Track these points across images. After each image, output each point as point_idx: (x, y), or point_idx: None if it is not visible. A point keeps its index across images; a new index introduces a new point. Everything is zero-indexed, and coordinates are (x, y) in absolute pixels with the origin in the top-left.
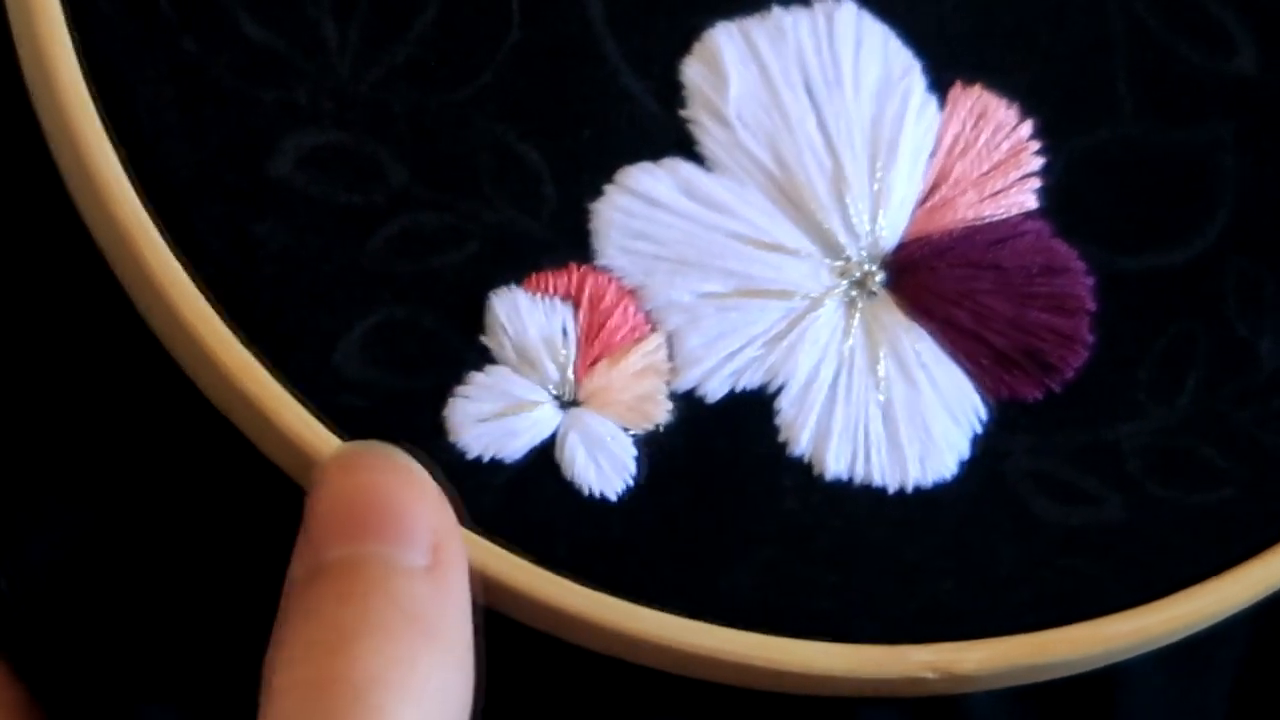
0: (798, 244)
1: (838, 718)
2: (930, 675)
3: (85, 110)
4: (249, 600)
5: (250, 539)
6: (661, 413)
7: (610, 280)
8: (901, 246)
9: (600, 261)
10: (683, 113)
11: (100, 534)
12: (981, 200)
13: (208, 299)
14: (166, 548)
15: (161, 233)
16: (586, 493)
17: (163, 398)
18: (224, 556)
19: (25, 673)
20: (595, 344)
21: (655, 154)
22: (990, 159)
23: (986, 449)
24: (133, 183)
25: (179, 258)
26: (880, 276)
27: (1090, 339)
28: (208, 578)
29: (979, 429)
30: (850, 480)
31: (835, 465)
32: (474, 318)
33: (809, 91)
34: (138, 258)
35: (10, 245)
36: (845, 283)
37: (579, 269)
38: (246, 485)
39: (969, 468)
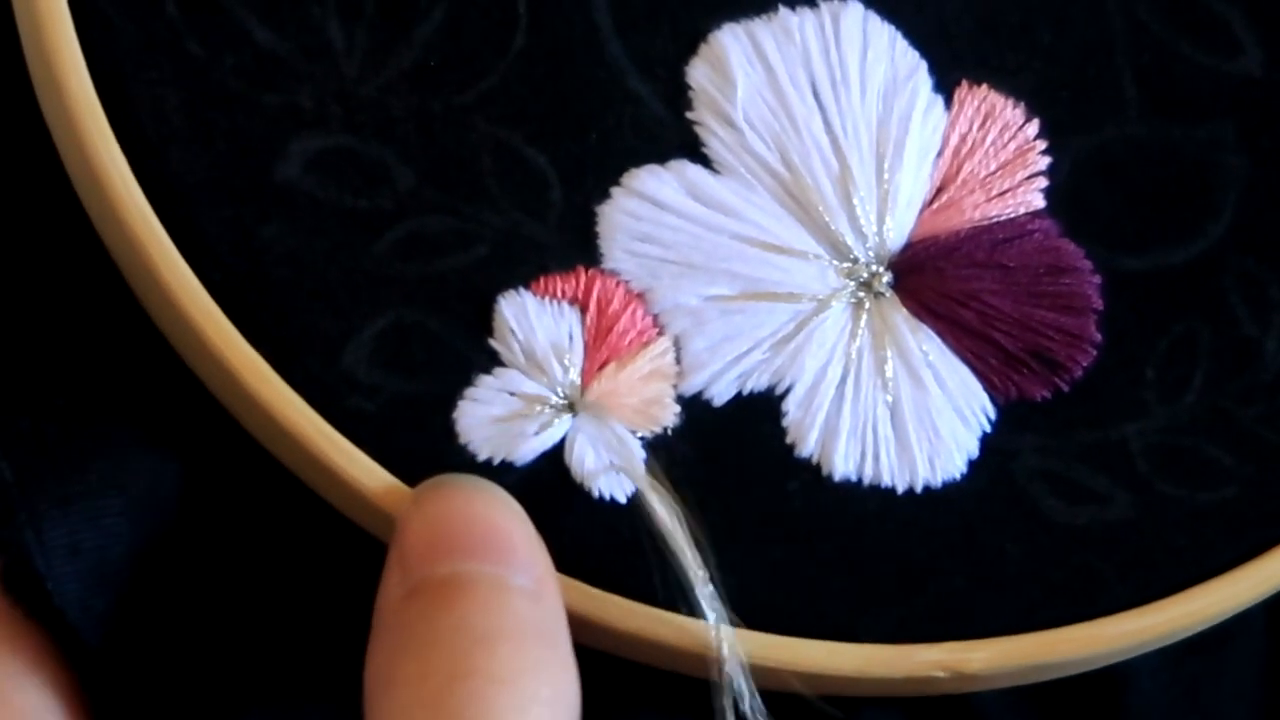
0: (805, 246)
1: (843, 717)
2: (939, 674)
3: (92, 114)
4: (258, 596)
5: (259, 540)
6: (669, 416)
7: (618, 284)
8: (908, 247)
9: (607, 265)
10: (689, 115)
11: (116, 528)
12: (988, 200)
13: (216, 302)
14: (175, 545)
15: (169, 236)
16: (595, 495)
17: (172, 402)
18: (231, 556)
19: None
20: (603, 347)
21: (662, 157)
22: (997, 159)
23: (995, 448)
24: (140, 186)
25: (187, 261)
26: (887, 277)
27: (1098, 338)
28: (209, 574)
29: (987, 428)
30: (859, 481)
31: (843, 466)
32: (482, 321)
33: (815, 93)
34: (146, 261)
35: (20, 249)
36: (852, 284)
37: (587, 272)
38: (257, 487)
39: (977, 467)
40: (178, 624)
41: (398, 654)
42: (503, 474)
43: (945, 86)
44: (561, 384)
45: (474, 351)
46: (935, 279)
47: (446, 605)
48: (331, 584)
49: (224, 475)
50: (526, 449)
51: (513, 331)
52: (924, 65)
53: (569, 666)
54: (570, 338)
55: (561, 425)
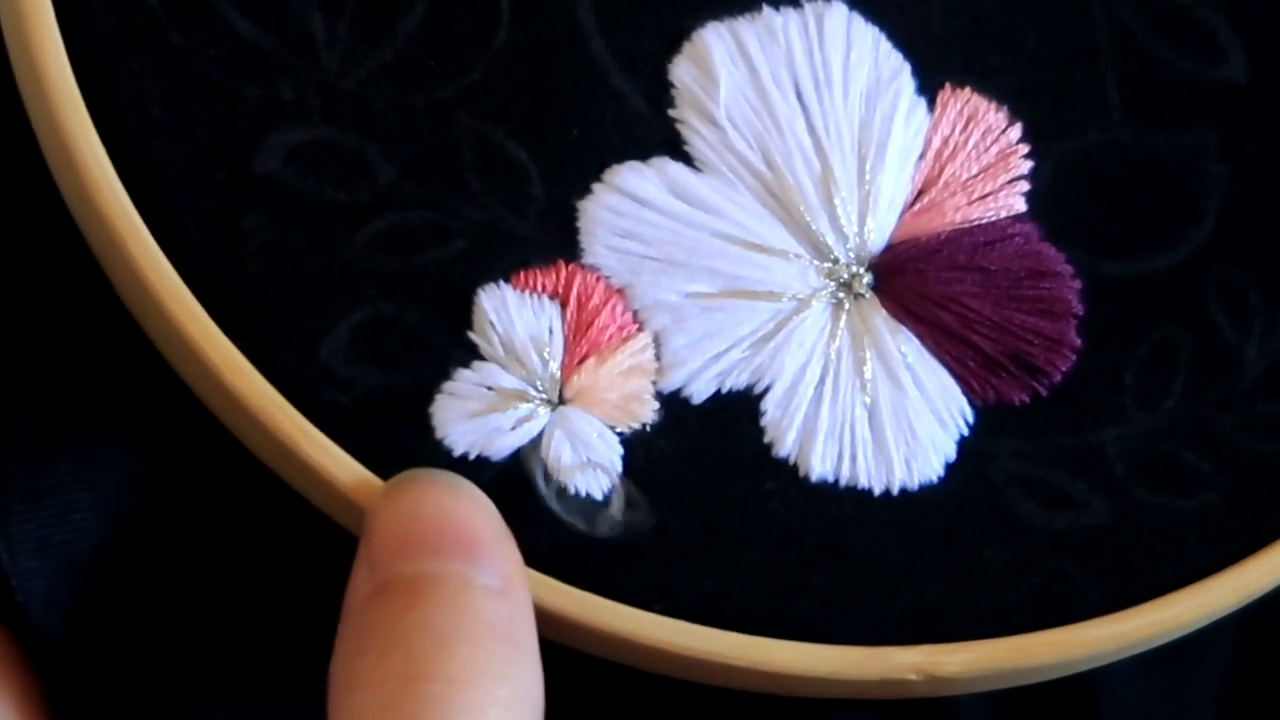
0: (785, 245)
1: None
2: (913, 677)
3: (72, 104)
4: (231, 591)
5: (232, 535)
6: (648, 412)
7: (598, 279)
8: (889, 249)
9: (587, 260)
10: (672, 113)
11: (85, 523)
12: (970, 203)
13: (194, 294)
14: (146, 540)
15: (148, 228)
16: (572, 491)
17: (145, 395)
18: (203, 551)
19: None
20: (583, 342)
21: (644, 154)
22: (979, 162)
23: (972, 452)
24: (119, 177)
25: (165, 253)
26: (868, 279)
27: (1078, 343)
28: (180, 569)
29: (965, 432)
30: (835, 482)
31: (820, 467)
32: (461, 315)
33: (798, 93)
34: (124, 253)
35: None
36: (833, 284)
37: (567, 267)
38: (232, 482)
39: (955, 471)
40: (147, 620)
41: (359, 654)
42: (479, 469)
43: (928, 89)
44: (540, 378)
45: (452, 345)
46: (915, 281)
47: (408, 605)
48: (305, 579)
49: (197, 469)
50: (503, 444)
51: (492, 324)
52: (907, 67)
53: (533, 666)
54: (550, 331)
55: (539, 420)
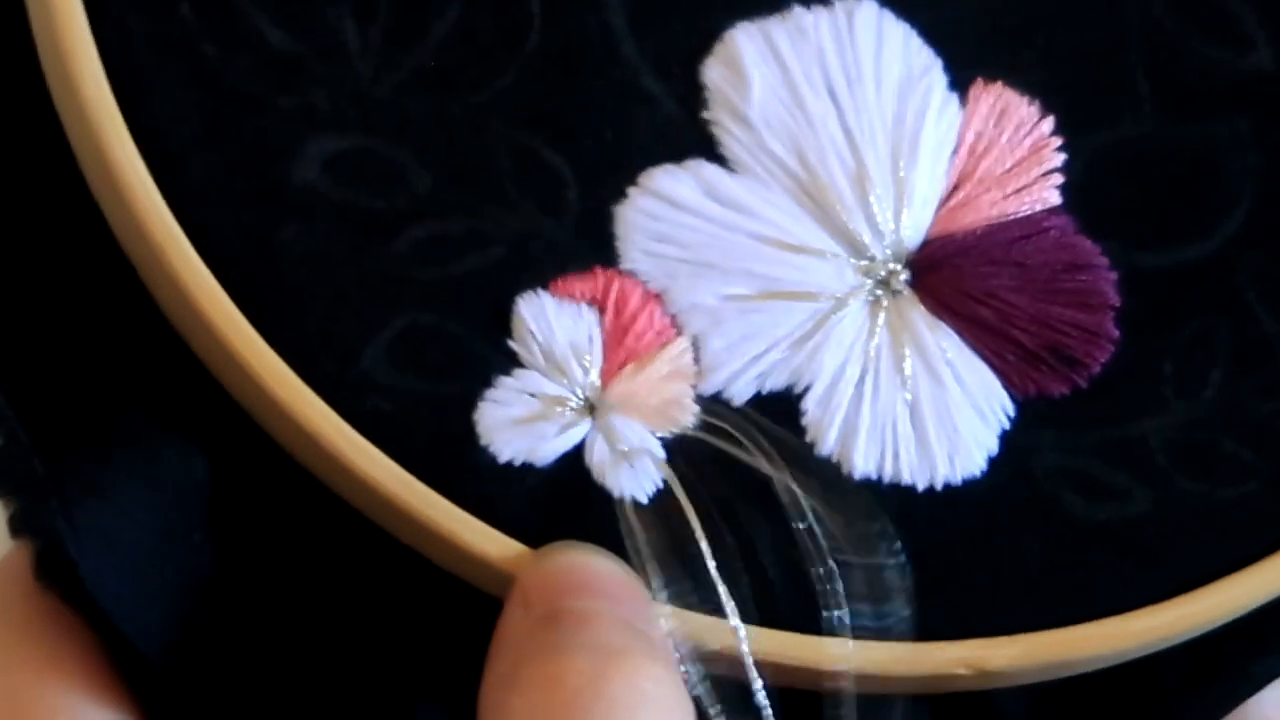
0: (822, 244)
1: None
2: (961, 671)
3: (109, 117)
4: (280, 593)
5: (280, 538)
6: (689, 416)
7: (636, 284)
8: (925, 245)
9: (624, 265)
10: (704, 114)
11: (147, 521)
12: (1004, 198)
13: (236, 305)
14: (202, 540)
15: (189, 240)
16: (616, 495)
17: (198, 401)
18: (251, 551)
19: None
20: (621, 348)
21: (677, 156)
22: (1012, 156)
23: (1014, 445)
24: (159, 191)
25: (206, 264)
26: (904, 275)
27: (1115, 334)
28: (241, 570)
29: (1006, 425)
30: (878, 479)
31: (863, 464)
32: (500, 323)
33: (830, 91)
34: (164, 264)
35: (39, 253)
36: (870, 282)
37: (605, 273)
38: (279, 487)
39: (997, 464)
40: (207, 616)
41: (527, 663)
42: (525, 475)
43: (960, 84)
44: (581, 385)
45: (493, 353)
46: (952, 276)
47: (579, 631)
48: (349, 582)
49: (245, 473)
50: (548, 450)
51: (531, 332)
52: (939, 63)
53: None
54: (589, 338)
55: (582, 427)
